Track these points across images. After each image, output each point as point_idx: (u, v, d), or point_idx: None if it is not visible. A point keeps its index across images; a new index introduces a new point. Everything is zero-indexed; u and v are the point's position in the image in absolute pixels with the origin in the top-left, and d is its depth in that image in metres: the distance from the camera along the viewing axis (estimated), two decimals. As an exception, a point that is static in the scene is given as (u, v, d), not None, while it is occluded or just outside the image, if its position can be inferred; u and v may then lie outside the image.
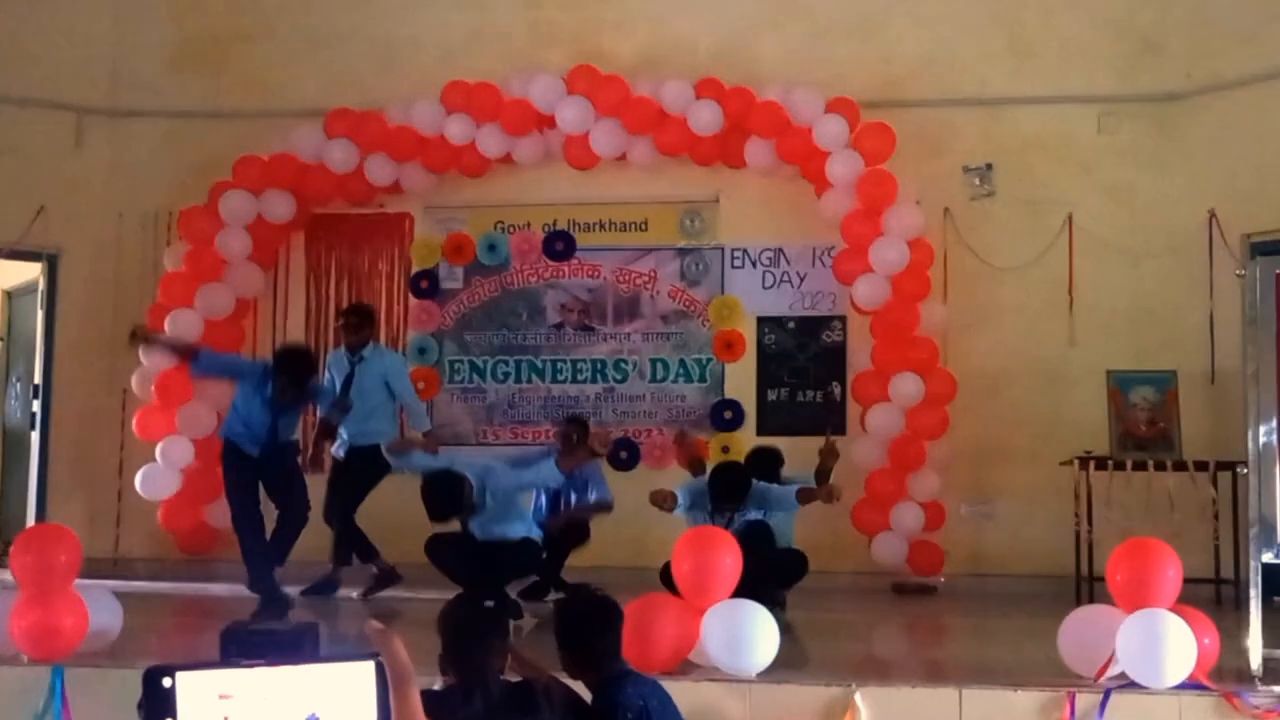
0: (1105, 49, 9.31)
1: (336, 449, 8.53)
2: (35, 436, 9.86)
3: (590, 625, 4.12)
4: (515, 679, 4.03)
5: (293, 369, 7.79)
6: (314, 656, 5.03)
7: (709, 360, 9.50)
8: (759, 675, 5.43)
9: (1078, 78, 9.32)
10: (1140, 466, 8.24)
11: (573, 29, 9.65)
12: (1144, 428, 8.41)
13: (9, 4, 9.67)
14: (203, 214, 9.39)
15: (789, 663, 5.67)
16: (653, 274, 9.63)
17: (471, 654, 3.80)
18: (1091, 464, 8.31)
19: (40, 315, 9.91)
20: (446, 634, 3.87)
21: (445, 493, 7.04)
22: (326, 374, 8.71)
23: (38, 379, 9.88)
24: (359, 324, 8.59)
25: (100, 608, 5.25)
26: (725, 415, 9.44)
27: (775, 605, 7.08)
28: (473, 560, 7.11)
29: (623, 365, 9.57)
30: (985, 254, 9.21)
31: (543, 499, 8.33)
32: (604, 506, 8.33)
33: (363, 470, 8.34)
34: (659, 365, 9.59)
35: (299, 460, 8.40)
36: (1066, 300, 9.13)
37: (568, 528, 8.11)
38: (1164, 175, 9.16)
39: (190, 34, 10.05)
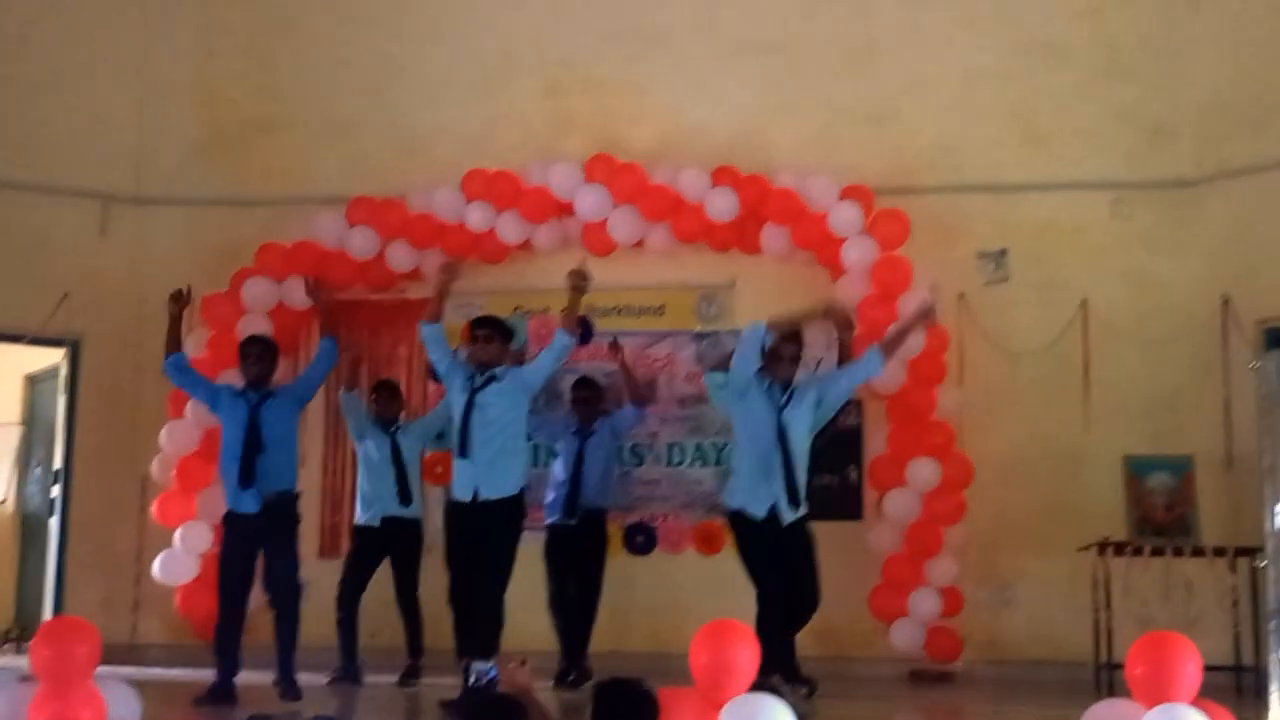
0: (1117, 136, 9.41)
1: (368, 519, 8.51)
2: (54, 522, 9.91)
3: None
4: None
5: (257, 345, 7.70)
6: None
7: (725, 444, 9.50)
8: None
9: (1090, 164, 9.42)
10: (1158, 552, 8.21)
11: (591, 118, 9.79)
12: (1161, 513, 8.39)
13: (35, 93, 9.87)
14: (225, 300, 9.50)
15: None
16: (670, 358, 9.69)
17: None
18: (1110, 550, 8.27)
19: (61, 401, 10.00)
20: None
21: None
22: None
23: (58, 464, 9.95)
24: (391, 395, 8.71)
25: (117, 699, 5.24)
26: (742, 500, 9.43)
27: (805, 686, 7.07)
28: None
29: (639, 449, 9.59)
30: (1001, 339, 9.25)
31: (559, 466, 8.42)
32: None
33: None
34: (675, 449, 9.61)
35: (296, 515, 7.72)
36: (1082, 385, 9.15)
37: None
38: (1177, 260, 9.21)
39: (214, 123, 10.23)
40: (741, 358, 7.28)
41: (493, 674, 4.68)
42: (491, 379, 7.15)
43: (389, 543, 8.46)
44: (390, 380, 9.02)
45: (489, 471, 7.04)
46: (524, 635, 7.41)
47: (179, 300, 7.68)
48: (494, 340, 7.27)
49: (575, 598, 8.24)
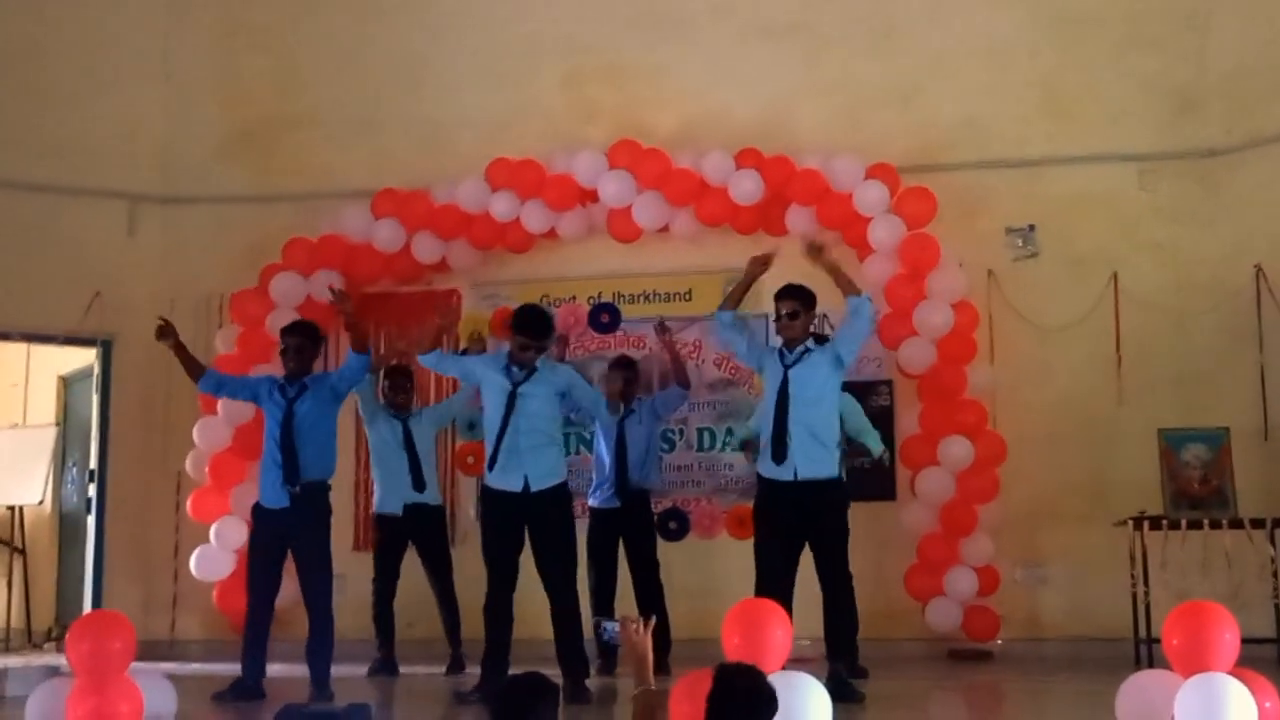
0: (1143, 107, 9.33)
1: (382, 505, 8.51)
2: (91, 521, 10.00)
3: (746, 706, 3.94)
4: None
5: (295, 336, 7.49)
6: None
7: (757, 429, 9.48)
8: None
9: (1117, 137, 9.33)
10: (1195, 525, 8.13)
11: (613, 104, 9.78)
12: (1197, 486, 8.32)
13: (62, 97, 9.96)
14: (253, 296, 9.55)
15: (844, 734, 5.62)
16: (698, 343, 9.67)
17: None
18: (1146, 524, 8.21)
19: (95, 400, 10.09)
20: (495, 707, 3.84)
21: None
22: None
23: (93, 464, 10.04)
24: (403, 383, 8.64)
25: (155, 692, 5.30)
26: (774, 483, 9.41)
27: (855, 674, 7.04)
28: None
29: (670, 435, 9.58)
30: (1031, 315, 9.19)
31: (601, 449, 8.35)
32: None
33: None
34: (706, 434, 9.60)
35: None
36: (1114, 359, 9.08)
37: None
38: (1208, 231, 9.13)
39: (239, 121, 10.28)
40: (723, 344, 7.50)
41: (610, 633, 4.66)
42: (532, 371, 7.09)
43: (412, 530, 8.46)
44: (403, 366, 8.88)
45: (537, 461, 7.02)
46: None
47: (165, 335, 7.45)
48: (530, 350, 7.06)
49: (637, 579, 8.23)
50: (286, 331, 7.59)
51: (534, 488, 6.98)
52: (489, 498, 7.16)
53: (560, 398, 7.22)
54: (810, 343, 7.18)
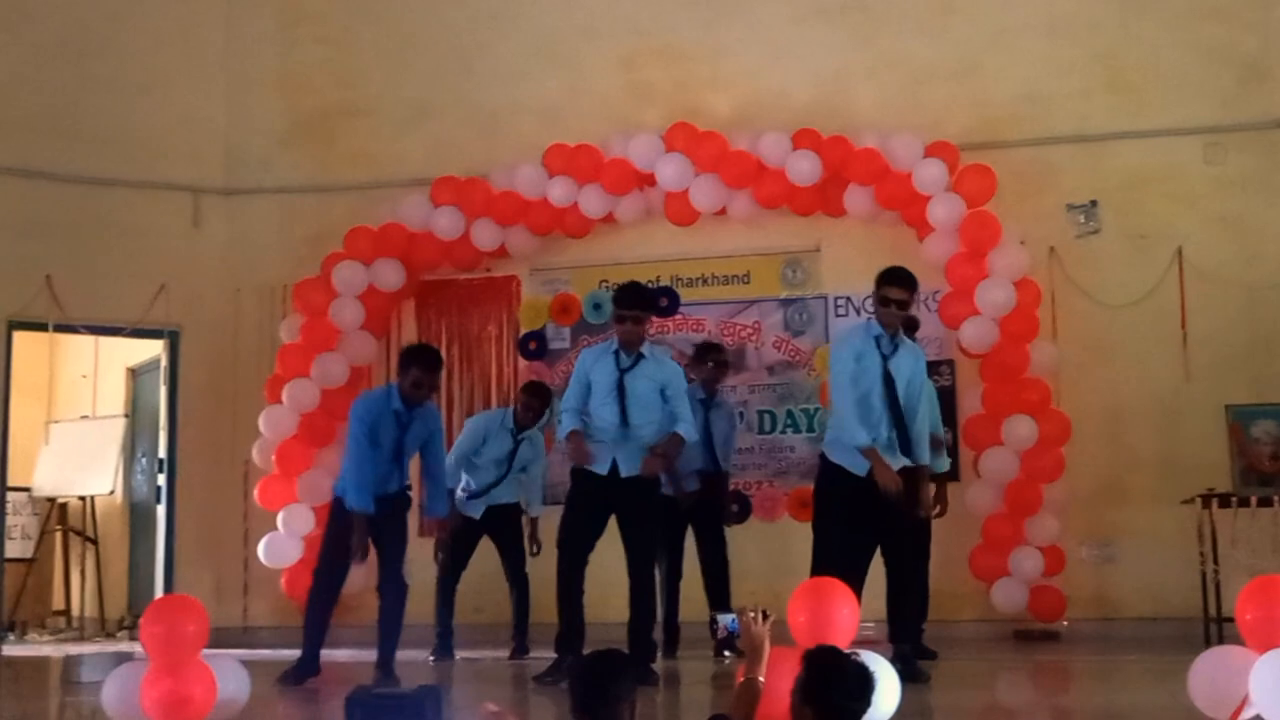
0: (1207, 79, 9.19)
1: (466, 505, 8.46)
2: (161, 510, 10.14)
3: (844, 687, 3.94)
4: None
5: (429, 372, 7.24)
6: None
7: (816, 410, 9.46)
8: (881, 727, 5.36)
9: (1180, 109, 9.20)
10: (1265, 502, 8.02)
11: (669, 87, 9.77)
12: (1268, 462, 8.21)
13: (125, 93, 10.10)
14: (316, 286, 9.63)
15: (911, 712, 5.59)
16: (757, 325, 9.66)
17: (601, 703, 3.78)
18: (1214, 502, 8.11)
19: (163, 391, 10.23)
20: (576, 683, 3.87)
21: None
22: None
23: (162, 453, 10.18)
24: (538, 401, 8.47)
25: (228, 676, 5.34)
26: (836, 465, 9.38)
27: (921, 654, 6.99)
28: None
29: (731, 418, 9.56)
30: (1094, 292, 9.10)
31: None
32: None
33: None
34: (766, 417, 9.59)
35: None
36: (1180, 335, 8.98)
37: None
38: (1275, 204, 8.99)
39: (299, 112, 10.38)
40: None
41: (733, 626, 4.68)
42: (640, 358, 6.92)
43: (490, 527, 8.49)
44: (541, 384, 8.78)
45: (631, 447, 6.86)
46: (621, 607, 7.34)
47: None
48: (642, 323, 6.95)
49: (705, 561, 8.21)
50: (428, 368, 7.22)
51: (623, 473, 6.87)
52: (577, 478, 7.04)
53: (661, 392, 6.98)
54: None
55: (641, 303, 7.02)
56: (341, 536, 7.17)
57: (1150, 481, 8.81)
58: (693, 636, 7.94)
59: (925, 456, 6.83)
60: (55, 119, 9.86)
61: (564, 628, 6.91)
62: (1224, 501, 8.10)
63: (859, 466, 6.70)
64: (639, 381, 6.88)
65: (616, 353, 6.96)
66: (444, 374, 8.63)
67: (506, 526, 8.53)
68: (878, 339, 6.77)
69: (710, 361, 8.30)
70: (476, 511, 8.44)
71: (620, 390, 6.87)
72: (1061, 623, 8.71)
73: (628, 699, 3.72)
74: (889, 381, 6.70)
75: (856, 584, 6.44)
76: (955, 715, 5.93)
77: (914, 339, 7.45)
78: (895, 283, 6.74)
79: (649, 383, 6.91)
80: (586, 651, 4.39)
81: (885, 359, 6.73)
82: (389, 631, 7.20)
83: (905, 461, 6.72)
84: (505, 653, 8.36)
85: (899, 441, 6.71)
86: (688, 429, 6.96)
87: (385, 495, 7.18)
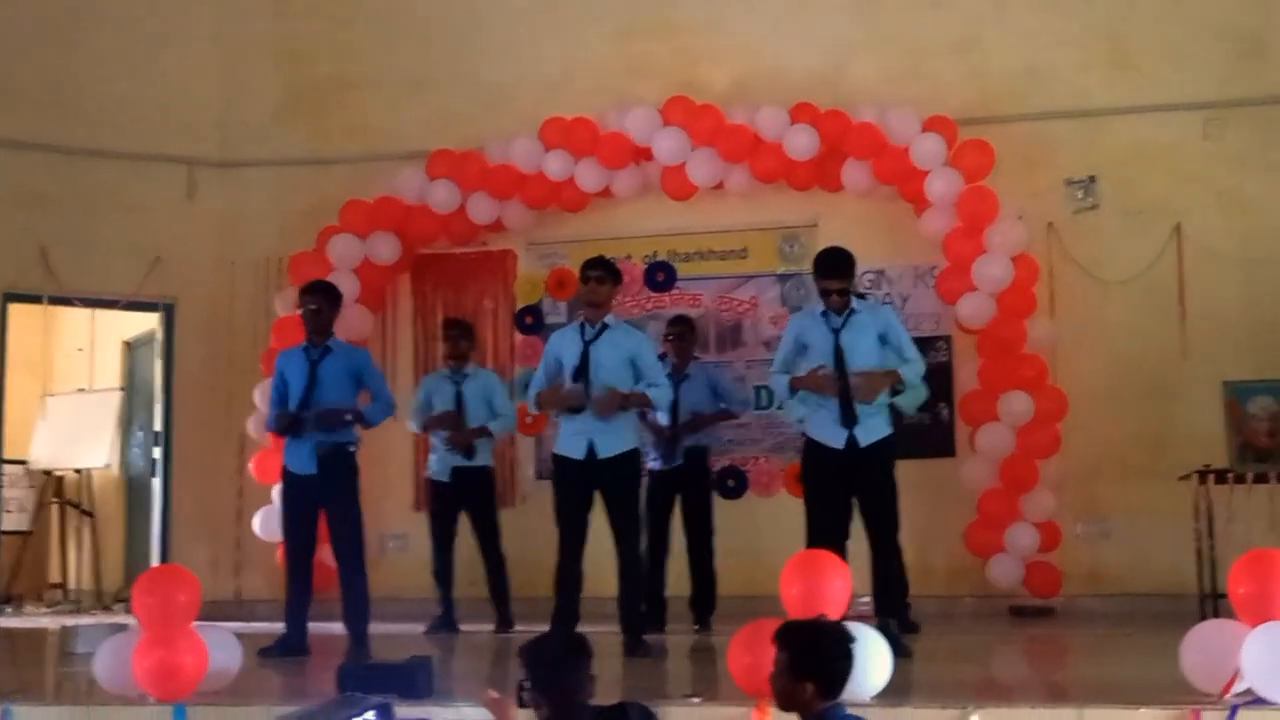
0: (1207, 54, 9.15)
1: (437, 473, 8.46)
2: (157, 483, 10.15)
3: (836, 657, 3.95)
4: (607, 704, 4.07)
5: (314, 298, 7.11)
6: (428, 691, 5.11)
7: (814, 385, 9.42)
8: (874, 699, 5.37)
9: (1180, 85, 9.17)
10: (1262, 479, 8.00)
11: (666, 61, 9.73)
12: (1264, 439, 8.18)
13: (120, 64, 10.05)
14: (312, 259, 9.60)
15: (905, 686, 5.59)
16: (754, 301, 9.64)
17: (559, 682, 3.81)
18: (1211, 478, 8.09)
19: (158, 364, 10.22)
20: (531, 664, 3.87)
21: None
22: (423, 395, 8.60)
23: (158, 426, 10.18)
24: (459, 335, 8.55)
25: (219, 647, 5.35)
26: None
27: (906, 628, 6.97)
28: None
29: (728, 393, 9.54)
30: (1092, 267, 9.07)
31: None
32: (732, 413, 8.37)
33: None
34: (763, 392, 9.57)
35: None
36: (1178, 311, 8.96)
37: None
38: (1273, 180, 8.97)
39: (294, 84, 10.34)
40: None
41: None
42: (604, 328, 6.83)
43: (462, 495, 8.42)
44: (461, 320, 8.82)
45: (606, 427, 6.74)
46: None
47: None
48: (605, 282, 6.87)
49: (691, 544, 8.19)
50: (306, 292, 7.23)
51: (600, 455, 6.75)
52: (556, 463, 6.96)
53: (631, 364, 6.87)
54: (854, 302, 6.74)
55: (604, 264, 6.96)
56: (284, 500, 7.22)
57: (1147, 457, 8.79)
58: (679, 611, 8.02)
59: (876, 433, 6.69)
60: (50, 91, 9.83)
61: (557, 610, 6.78)
62: (1220, 478, 8.08)
63: (837, 439, 6.66)
64: (604, 350, 6.76)
65: (582, 325, 6.90)
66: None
67: (475, 491, 8.45)
68: (825, 314, 6.68)
69: (669, 335, 8.30)
70: (445, 474, 8.38)
71: (585, 360, 6.76)
72: (1057, 598, 8.71)
73: (579, 677, 3.83)
74: (840, 356, 6.60)
75: (841, 556, 6.44)
76: (950, 690, 5.91)
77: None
78: (827, 274, 6.61)
79: (616, 351, 6.78)
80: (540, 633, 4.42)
81: (836, 333, 6.63)
82: (355, 609, 7.07)
83: (845, 434, 6.63)
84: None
85: (842, 414, 6.61)
86: (657, 393, 6.87)
87: (327, 451, 6.98)
